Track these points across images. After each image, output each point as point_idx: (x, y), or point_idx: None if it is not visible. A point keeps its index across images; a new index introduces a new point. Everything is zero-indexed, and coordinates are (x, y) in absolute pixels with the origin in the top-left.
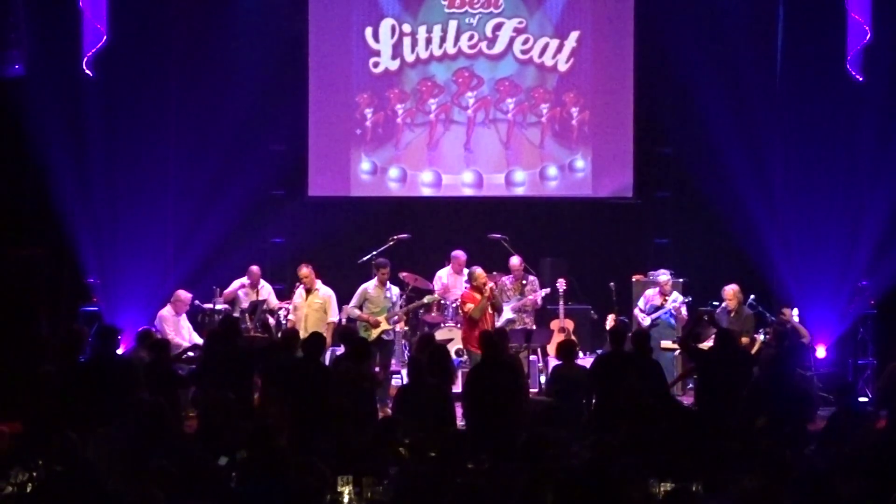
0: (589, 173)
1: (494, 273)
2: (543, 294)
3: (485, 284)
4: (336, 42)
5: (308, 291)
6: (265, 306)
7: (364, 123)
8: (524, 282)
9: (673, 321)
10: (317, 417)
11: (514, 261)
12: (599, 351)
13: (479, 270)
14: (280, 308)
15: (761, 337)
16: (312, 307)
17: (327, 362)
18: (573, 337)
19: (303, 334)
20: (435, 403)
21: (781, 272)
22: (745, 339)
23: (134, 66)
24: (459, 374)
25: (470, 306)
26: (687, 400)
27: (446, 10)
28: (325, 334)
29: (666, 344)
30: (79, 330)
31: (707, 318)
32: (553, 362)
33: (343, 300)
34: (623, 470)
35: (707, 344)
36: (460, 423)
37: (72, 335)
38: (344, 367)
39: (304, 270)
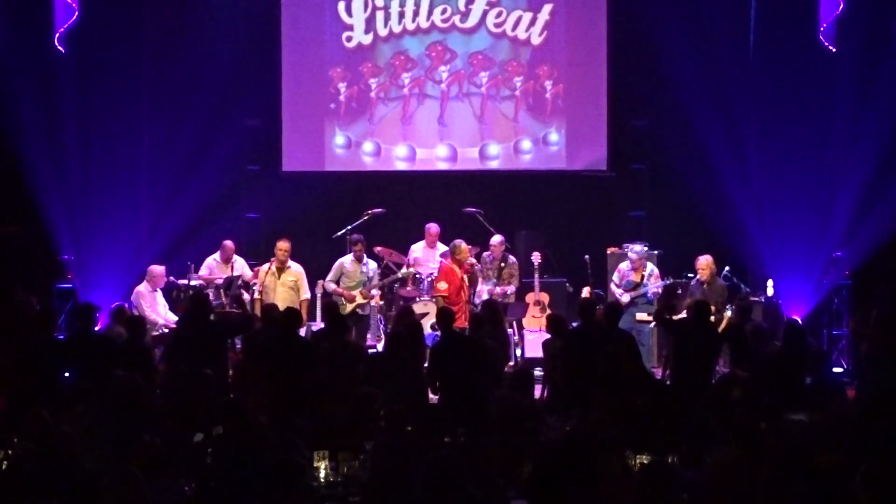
0: (563, 146)
1: (469, 247)
2: (511, 290)
3: (466, 259)
4: (309, 16)
5: (280, 269)
6: (240, 280)
7: (338, 98)
8: (503, 264)
9: (651, 297)
10: (294, 393)
11: (495, 240)
12: (574, 325)
13: (463, 245)
14: (255, 282)
15: (728, 313)
16: (286, 285)
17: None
18: (548, 310)
19: None
20: (408, 376)
21: (756, 243)
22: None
23: (106, 42)
24: None
25: (442, 286)
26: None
27: None
28: (301, 312)
29: (641, 316)
30: (46, 308)
31: (680, 291)
32: (528, 335)
33: (318, 275)
34: (600, 443)
35: (681, 316)
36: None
37: (42, 313)
38: (329, 345)
39: (286, 245)
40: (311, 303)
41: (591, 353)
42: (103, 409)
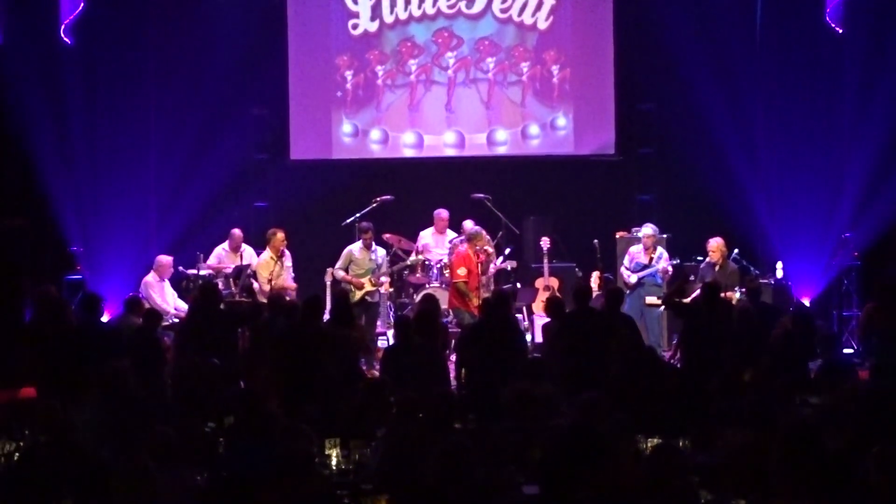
0: (571, 131)
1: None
2: (500, 262)
3: (483, 247)
4: (315, 5)
5: (280, 257)
6: (249, 269)
7: (344, 86)
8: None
9: (659, 279)
10: (307, 381)
11: (468, 225)
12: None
13: (483, 232)
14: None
15: (737, 295)
16: (287, 271)
17: None
18: (558, 295)
19: None
20: (423, 363)
21: (765, 226)
22: (730, 294)
23: (112, 32)
24: None
25: (462, 271)
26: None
27: None
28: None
29: (651, 300)
30: (57, 297)
31: (693, 277)
32: (538, 321)
33: (326, 263)
34: (610, 426)
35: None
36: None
37: (60, 302)
38: (333, 332)
39: (283, 235)
40: (321, 291)
41: (585, 338)
42: (97, 401)
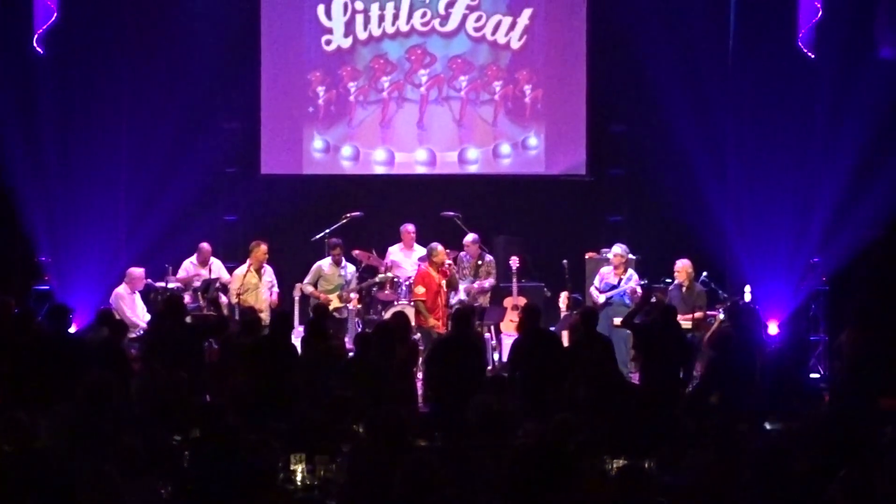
0: (542, 151)
1: (447, 251)
2: (489, 284)
3: (443, 262)
4: (288, 20)
5: (259, 270)
6: (217, 283)
7: (316, 101)
8: (480, 262)
9: (628, 300)
10: (275, 396)
11: (469, 239)
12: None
13: (439, 248)
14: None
15: (721, 316)
16: (266, 285)
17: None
18: None
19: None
20: (376, 377)
21: (734, 249)
22: (698, 315)
23: (85, 43)
24: None
25: (420, 290)
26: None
27: None
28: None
29: (619, 321)
30: (24, 309)
31: (656, 297)
32: (506, 339)
33: (296, 278)
34: (576, 447)
35: None
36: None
37: (21, 314)
38: (314, 347)
39: (265, 248)
40: (290, 306)
41: (532, 357)
42: (76, 410)
